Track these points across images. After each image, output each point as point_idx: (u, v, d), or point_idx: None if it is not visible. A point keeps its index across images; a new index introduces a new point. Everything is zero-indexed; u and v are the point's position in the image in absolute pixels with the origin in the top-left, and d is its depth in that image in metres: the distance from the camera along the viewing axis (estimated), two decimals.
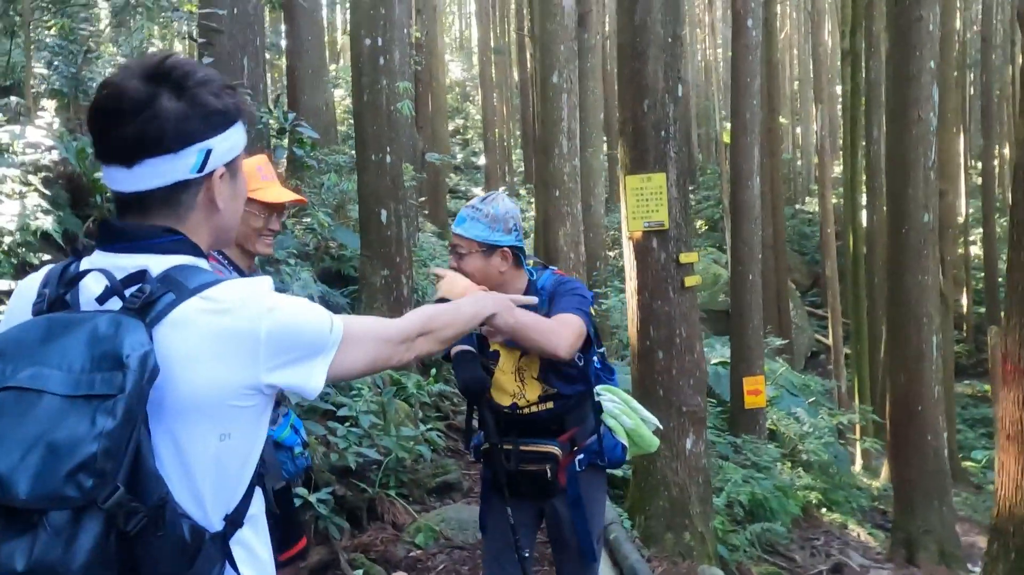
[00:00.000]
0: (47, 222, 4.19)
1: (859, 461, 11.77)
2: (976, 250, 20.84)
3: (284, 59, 12.42)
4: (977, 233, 20.65)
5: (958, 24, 15.86)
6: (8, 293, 3.89)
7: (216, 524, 1.11)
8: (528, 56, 23.10)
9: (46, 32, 6.55)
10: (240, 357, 1.07)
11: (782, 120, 22.95)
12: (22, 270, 4.10)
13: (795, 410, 10.30)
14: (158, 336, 1.02)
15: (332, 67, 19.22)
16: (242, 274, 2.55)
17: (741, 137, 8.58)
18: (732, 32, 8.75)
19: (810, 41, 24.55)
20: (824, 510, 8.63)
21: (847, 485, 9.60)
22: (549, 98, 6.51)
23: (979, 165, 19.88)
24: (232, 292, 1.09)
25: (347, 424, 4.58)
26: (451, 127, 28.81)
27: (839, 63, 16.35)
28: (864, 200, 12.16)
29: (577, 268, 6.61)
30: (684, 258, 4.49)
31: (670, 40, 4.37)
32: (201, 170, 1.13)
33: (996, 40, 17.15)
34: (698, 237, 25.04)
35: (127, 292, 1.04)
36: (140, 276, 1.06)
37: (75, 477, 0.91)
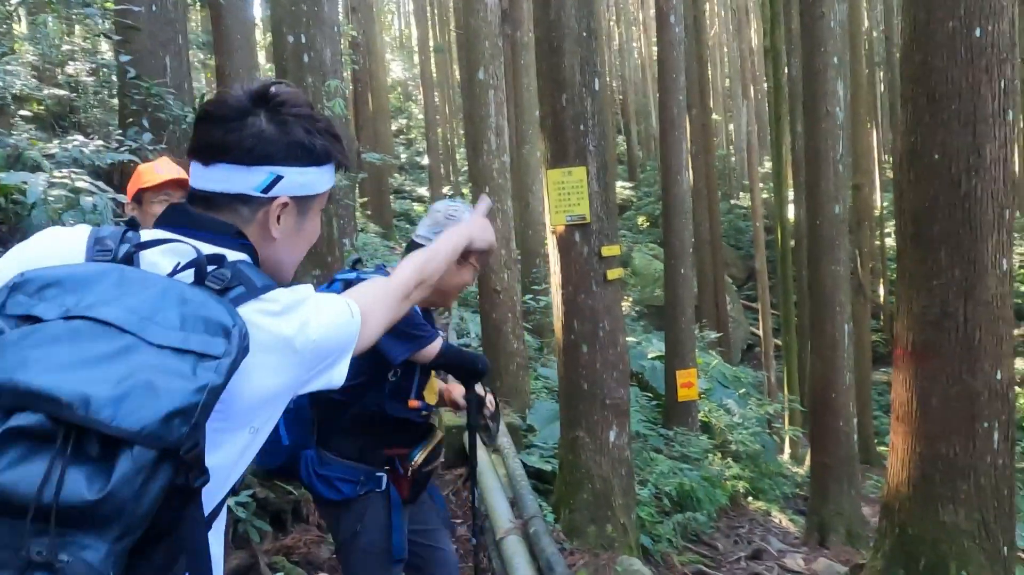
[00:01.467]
0: None
1: (787, 450, 12.10)
2: (892, 241, 21.57)
3: (214, 59, 12.13)
4: (892, 225, 21.38)
5: (866, 23, 16.37)
6: None
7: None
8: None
9: None
10: (284, 365, 1.11)
11: (715, 116, 23.38)
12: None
13: (726, 402, 10.53)
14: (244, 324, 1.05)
15: (267, 65, 18.87)
16: None
17: (669, 132, 8.72)
18: (656, 28, 8.89)
19: (737, 39, 25.09)
20: (751, 498, 8.85)
21: (773, 473, 9.85)
22: (475, 95, 6.51)
23: (891, 159, 20.57)
24: (283, 298, 1.12)
25: None
26: (394, 127, 28.59)
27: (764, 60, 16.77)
28: (791, 195, 12.50)
29: (509, 265, 6.63)
30: (606, 251, 4.54)
31: (585, 35, 4.42)
32: (266, 191, 1.19)
33: (897, 39, 17.79)
34: (639, 233, 25.41)
35: (209, 273, 1.07)
36: (219, 259, 1.10)
37: (172, 421, 0.90)
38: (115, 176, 6.83)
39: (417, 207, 24.97)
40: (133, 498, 0.88)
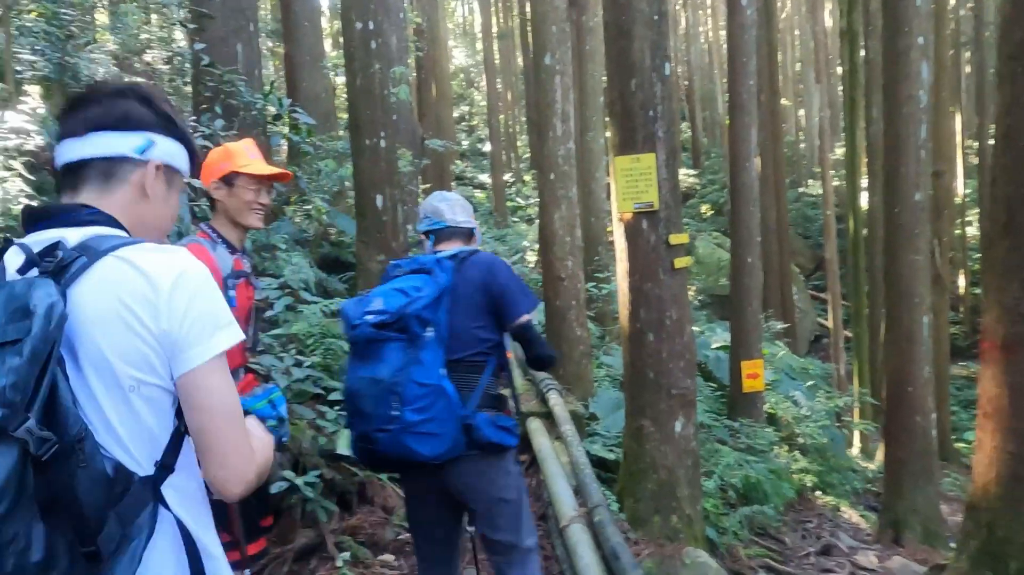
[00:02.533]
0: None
1: (856, 444, 11.76)
2: (973, 231, 20.65)
3: (283, 46, 12.36)
4: (974, 214, 20.46)
5: (952, 2, 15.61)
6: None
7: (146, 468, 1.21)
8: (531, 41, 22.98)
9: (27, 17, 6.52)
10: (144, 316, 1.20)
11: (784, 102, 22.75)
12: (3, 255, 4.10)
13: (793, 394, 10.28)
14: (73, 295, 1.17)
15: (333, 53, 19.13)
16: (232, 249, 2.58)
17: (738, 118, 8.51)
18: (727, 11, 8.66)
19: (811, 21, 24.32)
20: (819, 493, 8.63)
21: (842, 468, 9.58)
22: (542, 80, 6.44)
23: (976, 145, 19.66)
24: (146, 255, 1.24)
25: (337, 408, 4.59)
26: (456, 114, 28.70)
27: (839, 43, 16.19)
28: (865, 182, 12.08)
29: (573, 252, 6.57)
30: (674, 239, 4.46)
31: (656, 18, 4.32)
32: (142, 154, 1.33)
33: (988, 17, 16.90)
34: (703, 221, 24.98)
35: (44, 261, 1.19)
36: (55, 247, 1.21)
37: None
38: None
39: (478, 194, 25.05)
40: None
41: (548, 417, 5.81)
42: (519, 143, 29.50)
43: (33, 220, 1.28)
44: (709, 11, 32.36)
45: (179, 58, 9.69)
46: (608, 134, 4.64)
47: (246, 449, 1.29)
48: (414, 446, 2.39)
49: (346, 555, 3.95)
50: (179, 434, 1.26)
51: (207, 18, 7.54)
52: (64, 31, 6.78)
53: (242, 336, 1.30)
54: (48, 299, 1.11)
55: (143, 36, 9.46)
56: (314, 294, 5.98)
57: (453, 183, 23.00)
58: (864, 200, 12.45)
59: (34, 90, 5.34)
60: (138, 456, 1.21)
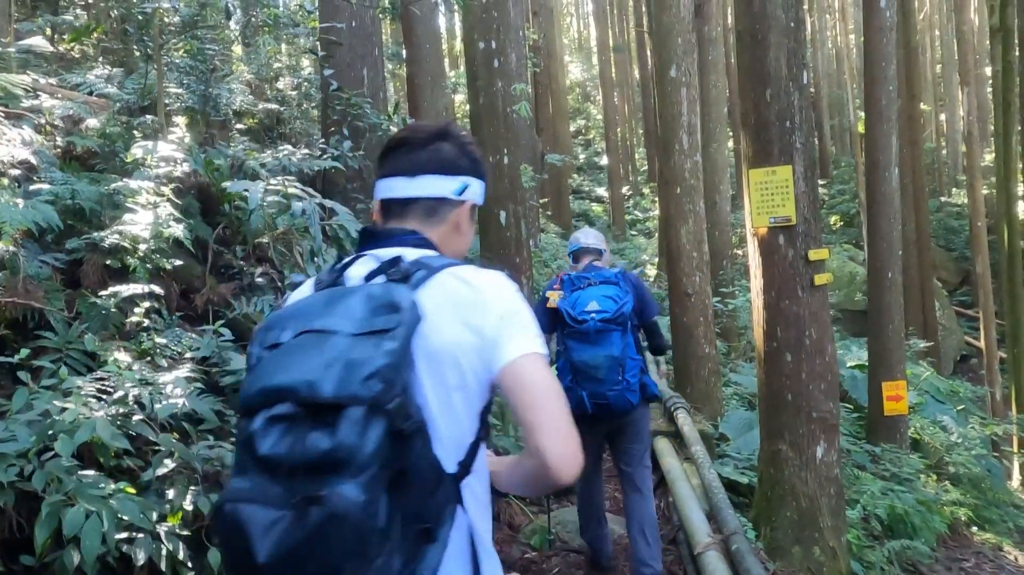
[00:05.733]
0: (178, 230, 4.45)
1: (1017, 476, 10.78)
2: None
3: (404, 68, 12.75)
4: None
5: None
6: (144, 295, 4.15)
7: (451, 466, 1.32)
8: (648, 53, 22.72)
9: (176, 54, 7.00)
10: (471, 319, 1.36)
11: (924, 107, 21.42)
12: (156, 275, 4.37)
13: (941, 418, 9.55)
14: (416, 299, 1.33)
15: (451, 73, 19.60)
16: None
17: (877, 125, 8.05)
18: (864, 14, 8.22)
19: (953, 20, 22.80)
20: (975, 529, 7.95)
21: (1002, 502, 8.80)
22: (667, 93, 6.31)
23: None
24: (472, 272, 1.42)
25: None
26: (572, 128, 28.76)
27: (987, 42, 15.07)
28: (1022, 190, 11.14)
29: (700, 267, 6.37)
30: (813, 255, 4.23)
31: (792, 25, 4.13)
32: (460, 195, 1.54)
33: None
34: (832, 233, 23.82)
35: (390, 271, 1.40)
36: (397, 261, 1.42)
37: (368, 382, 1.18)
38: (318, 182, 7.33)
39: (595, 207, 24.92)
40: (357, 444, 1.15)
41: (676, 436, 5.64)
42: (636, 156, 29.19)
43: (372, 238, 1.52)
44: (837, 14, 31.00)
45: (306, 84, 10.17)
46: (741, 146, 4.46)
47: (574, 433, 1.33)
48: (630, 398, 3.65)
49: None
50: (479, 439, 1.39)
51: (335, 45, 7.86)
52: (208, 64, 7.24)
53: (547, 350, 1.42)
54: (410, 297, 1.30)
55: (275, 66, 9.98)
56: None
57: (570, 197, 23.00)
58: (1021, 209, 11.47)
59: (180, 120, 5.71)
60: (448, 453, 1.31)
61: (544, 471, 1.30)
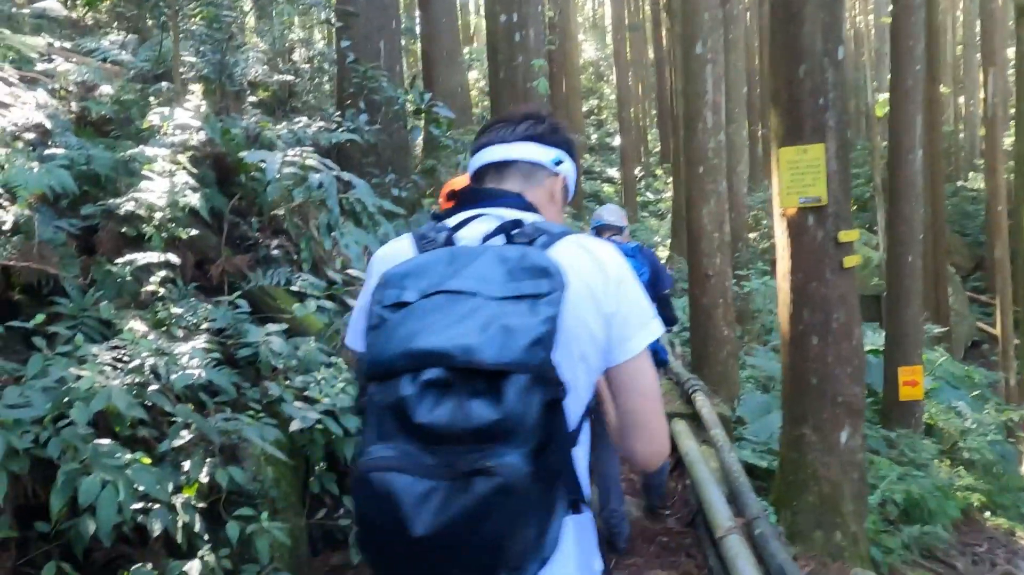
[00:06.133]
0: (195, 199, 4.37)
1: None
2: None
3: (419, 43, 12.58)
4: None
5: None
6: (160, 264, 4.08)
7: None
8: (663, 32, 22.44)
9: (192, 22, 6.88)
10: (599, 295, 1.33)
11: (943, 89, 21.11)
12: (171, 244, 4.29)
13: (956, 404, 9.47)
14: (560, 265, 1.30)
15: (465, 49, 19.38)
16: None
17: (902, 106, 7.89)
18: None
19: (977, 1, 22.39)
20: (987, 514, 7.89)
21: (1014, 487, 8.72)
22: (692, 70, 6.16)
23: None
24: (592, 243, 1.39)
25: None
26: (585, 108, 28.49)
27: (1010, 23, 14.75)
28: None
29: (721, 249, 6.27)
30: (844, 236, 4.13)
31: None
32: (555, 166, 1.56)
33: None
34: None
35: (513, 232, 1.35)
36: (519, 223, 1.37)
37: (532, 349, 1.15)
38: (332, 155, 7.24)
39: (607, 188, 24.73)
40: (522, 413, 1.12)
41: (693, 419, 5.58)
42: (649, 137, 28.93)
43: (478, 197, 1.49)
44: None
45: (319, 57, 10.04)
46: (770, 124, 4.35)
47: (666, 426, 1.43)
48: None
49: None
50: (588, 411, 1.38)
51: (352, 16, 7.73)
52: (224, 33, 7.13)
53: (663, 330, 1.54)
54: (556, 263, 1.25)
55: (290, 37, 9.85)
56: None
57: (582, 177, 22.83)
58: None
59: (196, 88, 5.61)
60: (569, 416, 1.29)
61: (632, 460, 1.44)
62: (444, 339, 1.15)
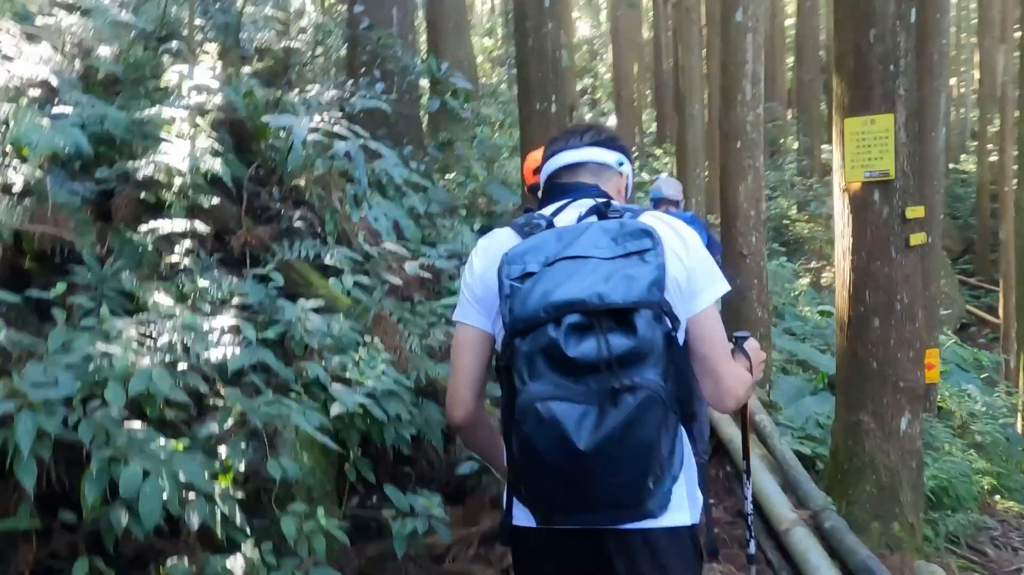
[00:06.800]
0: (216, 164, 4.06)
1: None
2: None
3: (423, 13, 12.18)
4: None
5: None
6: (182, 234, 3.78)
7: None
8: (667, 7, 22.11)
9: None
10: (681, 255, 1.59)
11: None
12: (192, 213, 3.99)
13: (966, 386, 9.40)
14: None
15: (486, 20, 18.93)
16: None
17: (928, 82, 7.66)
18: None
19: None
20: (997, 497, 7.81)
21: (1021, 470, 8.67)
22: (731, 39, 5.88)
23: None
24: (669, 218, 1.67)
25: None
26: (579, 87, 28.06)
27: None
28: None
29: (757, 228, 6.04)
30: (911, 213, 3.92)
31: None
32: (619, 167, 1.83)
33: None
34: (821, 202, 23.48)
35: (606, 210, 1.63)
36: (608, 204, 1.66)
37: (651, 289, 1.42)
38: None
39: None
40: (652, 340, 1.39)
41: None
42: (644, 117, 28.60)
43: (564, 190, 1.77)
44: None
45: (330, 21, 9.64)
46: (835, 92, 4.11)
47: (736, 370, 1.66)
48: None
49: None
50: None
51: None
52: None
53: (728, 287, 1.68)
54: (648, 226, 1.52)
55: (297, 3, 9.44)
56: None
57: None
58: None
59: (211, 48, 5.26)
60: None
61: (711, 406, 1.67)
62: (578, 290, 1.41)
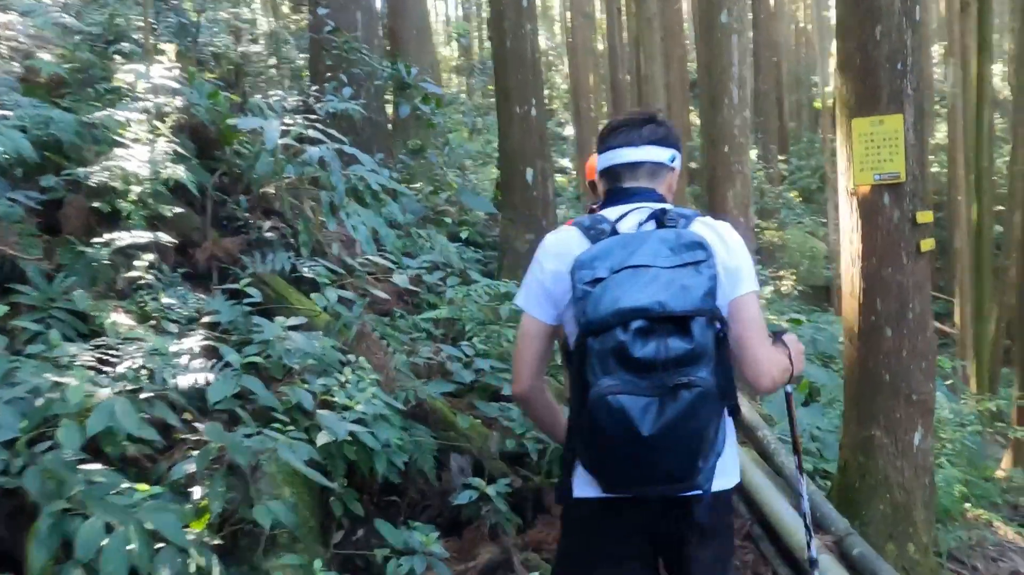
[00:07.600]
0: (179, 171, 3.70)
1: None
2: None
3: (385, 20, 11.85)
4: None
5: None
6: (142, 246, 3.42)
7: None
8: (622, 15, 22.13)
9: None
10: (722, 255, 1.85)
11: None
12: (152, 223, 3.62)
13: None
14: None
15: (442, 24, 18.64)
16: None
17: None
18: None
19: None
20: (967, 505, 7.77)
21: (985, 478, 8.67)
22: (716, 41, 5.69)
23: None
24: (714, 222, 1.94)
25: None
26: None
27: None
28: None
29: (746, 235, 5.86)
30: (921, 217, 3.75)
31: None
32: (672, 163, 2.02)
33: None
34: (789, 209, 23.75)
35: (663, 218, 1.88)
36: (665, 211, 1.88)
37: (705, 298, 1.67)
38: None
39: (559, 178, 24.29)
40: (704, 343, 1.64)
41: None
42: (600, 127, 28.63)
43: (626, 194, 1.96)
44: None
45: (286, 30, 9.28)
46: (841, 92, 3.93)
47: (772, 354, 1.88)
48: None
49: None
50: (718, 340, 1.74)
51: None
52: None
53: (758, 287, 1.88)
54: (701, 238, 1.77)
55: (254, 6, 9.06)
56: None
57: None
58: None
59: (168, 48, 4.88)
60: None
61: (748, 386, 1.88)
62: (642, 298, 1.63)
